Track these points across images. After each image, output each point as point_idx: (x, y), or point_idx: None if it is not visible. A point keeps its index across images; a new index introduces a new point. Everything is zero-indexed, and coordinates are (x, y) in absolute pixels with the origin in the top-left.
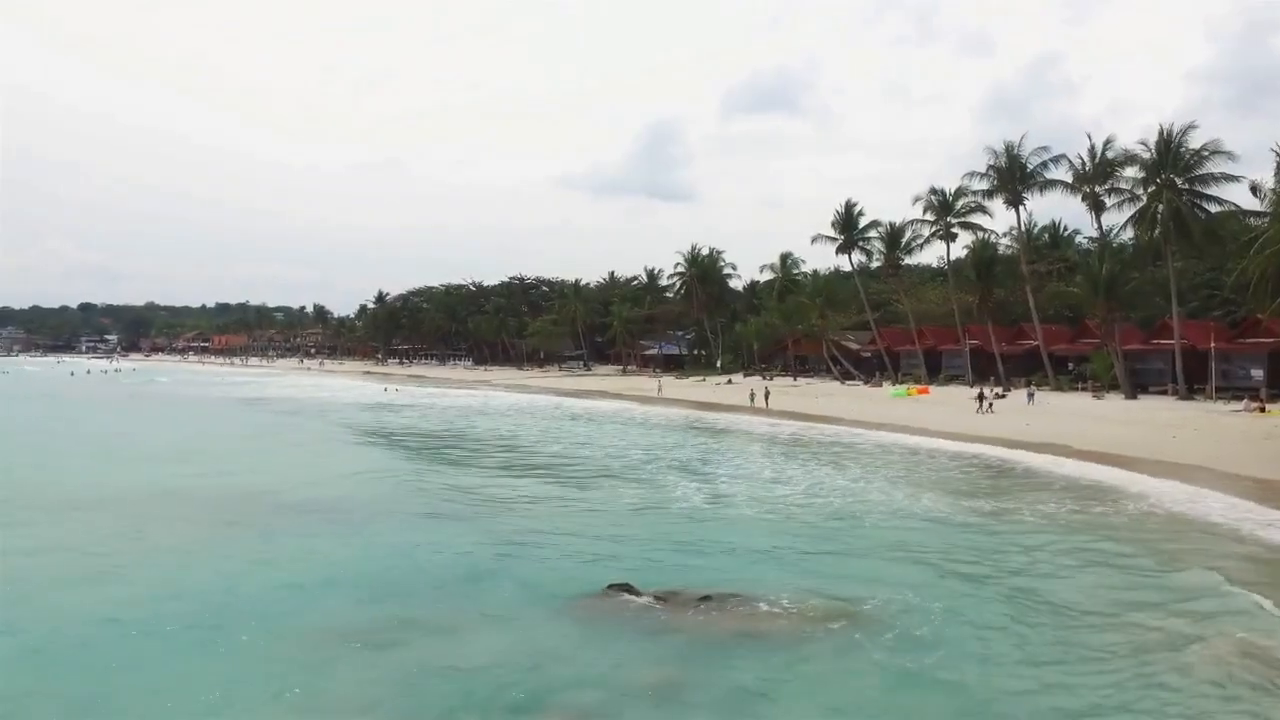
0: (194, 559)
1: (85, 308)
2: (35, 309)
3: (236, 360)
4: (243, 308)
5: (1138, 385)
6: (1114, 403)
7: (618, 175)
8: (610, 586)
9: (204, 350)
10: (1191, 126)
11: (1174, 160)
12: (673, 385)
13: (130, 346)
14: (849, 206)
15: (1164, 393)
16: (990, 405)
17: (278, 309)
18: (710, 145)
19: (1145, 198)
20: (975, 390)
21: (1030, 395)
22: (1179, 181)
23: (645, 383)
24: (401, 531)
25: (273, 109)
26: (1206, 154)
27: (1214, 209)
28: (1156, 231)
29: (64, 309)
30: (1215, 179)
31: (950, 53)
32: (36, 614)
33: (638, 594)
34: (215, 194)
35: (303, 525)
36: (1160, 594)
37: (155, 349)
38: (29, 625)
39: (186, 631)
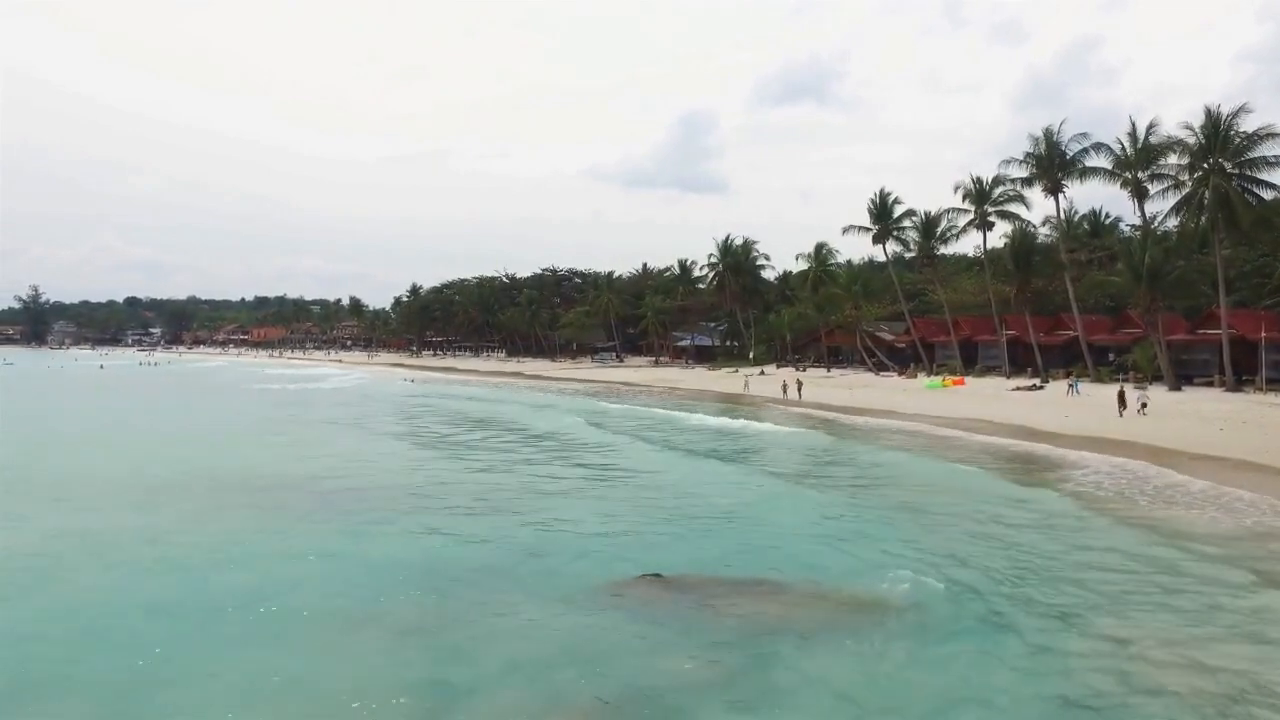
0: (239, 543)
1: (131, 302)
2: (85, 303)
3: (275, 352)
4: (280, 301)
5: (1182, 376)
6: (1158, 394)
7: (649, 167)
8: (642, 576)
9: (243, 343)
10: (1244, 110)
11: (1223, 144)
12: (704, 377)
13: (173, 339)
14: (883, 196)
15: (1210, 384)
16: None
17: (314, 302)
18: (742, 137)
19: (1191, 183)
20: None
21: (1071, 386)
22: (1228, 166)
23: (671, 374)
24: (433, 521)
25: (310, 104)
26: (1260, 137)
27: (1267, 195)
28: (1204, 218)
29: (111, 303)
30: (1268, 163)
31: (982, 40)
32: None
33: (669, 583)
34: (255, 189)
35: (337, 513)
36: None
37: (197, 342)
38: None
39: (218, 614)
